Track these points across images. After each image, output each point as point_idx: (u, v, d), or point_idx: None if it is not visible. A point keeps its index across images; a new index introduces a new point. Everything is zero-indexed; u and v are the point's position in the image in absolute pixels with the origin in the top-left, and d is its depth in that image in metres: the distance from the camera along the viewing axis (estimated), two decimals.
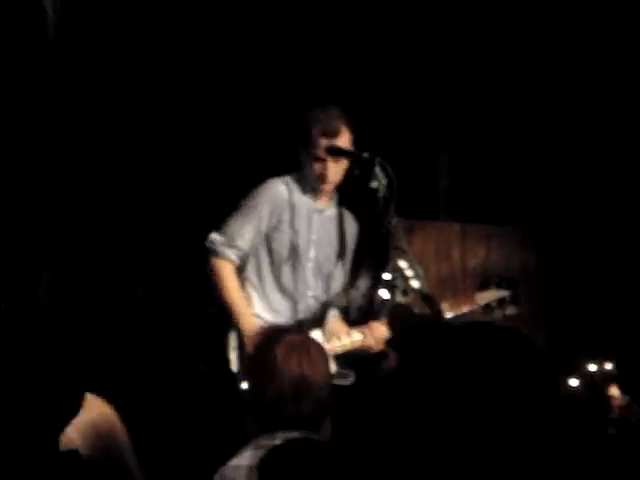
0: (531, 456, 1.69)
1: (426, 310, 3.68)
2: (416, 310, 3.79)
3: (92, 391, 2.49)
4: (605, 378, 4.44)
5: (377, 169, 3.77)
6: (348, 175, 4.19)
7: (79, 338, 5.08)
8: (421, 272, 3.68)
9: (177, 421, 4.93)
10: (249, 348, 3.90)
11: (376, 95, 5.91)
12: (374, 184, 3.75)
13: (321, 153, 4.18)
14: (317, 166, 4.22)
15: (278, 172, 4.40)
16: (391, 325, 4.22)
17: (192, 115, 5.76)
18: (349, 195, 4.47)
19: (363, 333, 4.28)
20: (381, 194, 3.74)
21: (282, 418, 2.81)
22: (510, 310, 4.46)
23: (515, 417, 1.69)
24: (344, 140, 4.18)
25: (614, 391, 4.24)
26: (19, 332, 2.34)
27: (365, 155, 3.86)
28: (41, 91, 5.33)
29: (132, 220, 5.72)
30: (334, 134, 4.16)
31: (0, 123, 5.24)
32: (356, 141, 4.23)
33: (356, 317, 4.58)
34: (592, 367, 4.59)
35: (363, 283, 5.56)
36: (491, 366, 1.72)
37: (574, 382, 4.67)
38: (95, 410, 2.87)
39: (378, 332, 4.27)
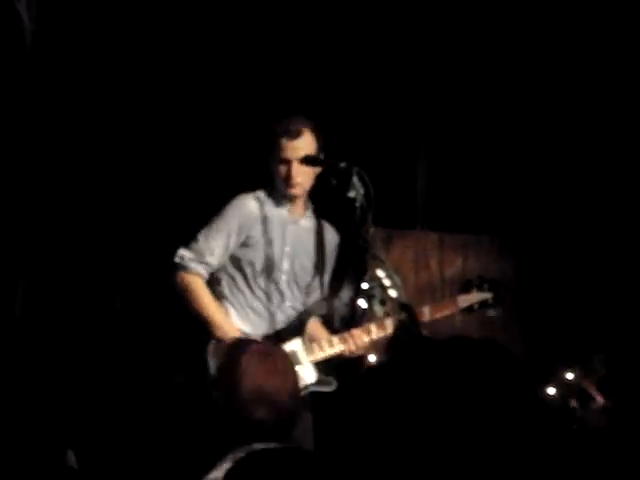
0: (511, 463, 1.70)
1: (403, 319, 3.68)
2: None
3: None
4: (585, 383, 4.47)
5: (354, 178, 3.77)
6: (325, 185, 4.20)
7: (56, 351, 5.06)
8: (399, 281, 3.68)
9: (156, 433, 4.91)
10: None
11: (353, 105, 5.92)
12: (352, 194, 3.76)
13: (283, 154, 4.20)
14: (282, 168, 4.23)
15: (251, 187, 4.40)
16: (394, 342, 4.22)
17: (166, 131, 5.75)
18: (326, 205, 4.47)
19: (344, 340, 4.28)
20: (359, 203, 3.74)
21: (248, 427, 2.82)
22: (492, 312, 4.49)
23: (495, 427, 1.70)
24: (306, 141, 4.21)
25: (595, 394, 4.27)
26: None
27: (342, 165, 3.87)
28: (19, 101, 5.31)
29: (110, 231, 5.70)
30: (295, 135, 4.19)
31: None
32: (333, 151, 4.24)
33: (339, 326, 4.58)
34: (570, 375, 4.61)
35: (345, 293, 5.57)
36: (472, 379, 1.74)
37: (551, 390, 4.69)
38: None
39: (359, 339, 4.28)
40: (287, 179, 4.23)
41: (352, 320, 5.44)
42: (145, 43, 5.65)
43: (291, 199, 4.32)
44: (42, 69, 5.41)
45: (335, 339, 4.29)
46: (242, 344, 3.07)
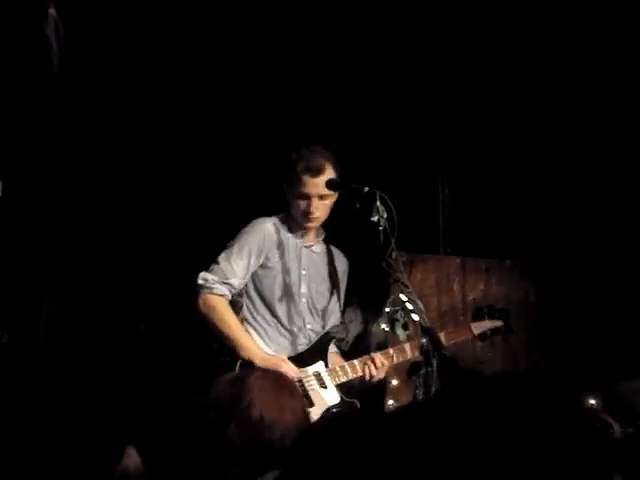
0: None
1: (425, 343, 3.69)
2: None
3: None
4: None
5: (378, 203, 3.80)
6: (349, 209, 4.22)
7: (78, 371, 5.09)
8: (421, 305, 3.70)
9: (179, 455, 4.92)
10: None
11: (377, 129, 5.95)
12: (375, 218, 3.78)
13: (304, 190, 4.24)
14: (302, 203, 4.28)
15: (266, 212, 4.44)
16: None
17: (187, 153, 5.80)
18: (348, 229, 4.50)
19: (365, 363, 4.30)
20: (382, 227, 3.76)
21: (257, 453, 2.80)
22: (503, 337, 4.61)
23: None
24: (327, 177, 4.23)
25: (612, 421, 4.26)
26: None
27: (366, 189, 3.89)
28: (46, 124, 5.37)
29: (135, 253, 5.74)
30: (317, 172, 4.23)
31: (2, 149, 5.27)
32: (357, 175, 4.26)
33: (352, 348, 4.59)
34: (592, 402, 4.60)
35: (361, 316, 5.58)
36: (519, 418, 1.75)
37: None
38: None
39: (378, 363, 4.29)
40: (306, 214, 4.28)
41: (366, 343, 5.46)
42: (172, 70, 5.71)
43: (309, 229, 4.37)
44: (69, 93, 5.47)
45: (357, 362, 4.31)
46: (246, 372, 3.05)
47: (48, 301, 5.69)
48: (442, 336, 4.33)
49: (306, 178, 4.24)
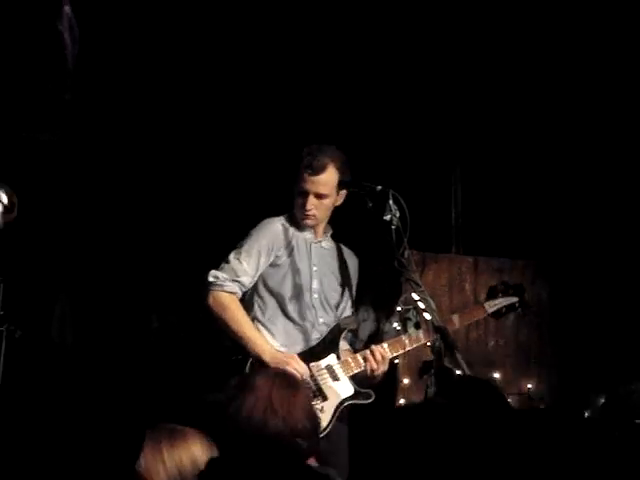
0: None
1: (438, 341, 3.70)
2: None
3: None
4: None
5: (390, 202, 3.80)
6: (361, 207, 4.23)
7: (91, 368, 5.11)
8: (433, 305, 3.70)
9: None
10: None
11: (390, 128, 5.95)
12: (387, 217, 3.78)
13: (303, 186, 4.26)
14: (299, 200, 4.30)
15: (277, 212, 4.46)
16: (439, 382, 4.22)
17: (201, 152, 5.82)
18: (361, 227, 4.51)
19: (365, 357, 4.30)
20: (394, 226, 3.77)
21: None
22: (519, 314, 4.54)
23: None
24: (328, 178, 4.25)
25: None
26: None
27: (378, 188, 3.90)
28: (61, 123, 5.39)
29: (147, 252, 5.77)
30: (318, 171, 4.23)
31: (14, 155, 5.30)
32: (369, 174, 4.27)
33: (364, 346, 4.59)
34: (602, 401, 4.61)
35: (373, 314, 5.59)
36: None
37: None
38: (197, 447, 2.92)
39: (378, 354, 4.30)
40: (302, 210, 4.30)
41: (378, 340, 5.47)
42: (186, 68, 5.73)
43: (308, 226, 4.39)
44: (83, 90, 5.49)
45: (367, 351, 4.32)
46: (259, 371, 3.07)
47: (61, 298, 5.72)
48: (456, 318, 4.34)
49: (306, 174, 4.25)
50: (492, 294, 4.50)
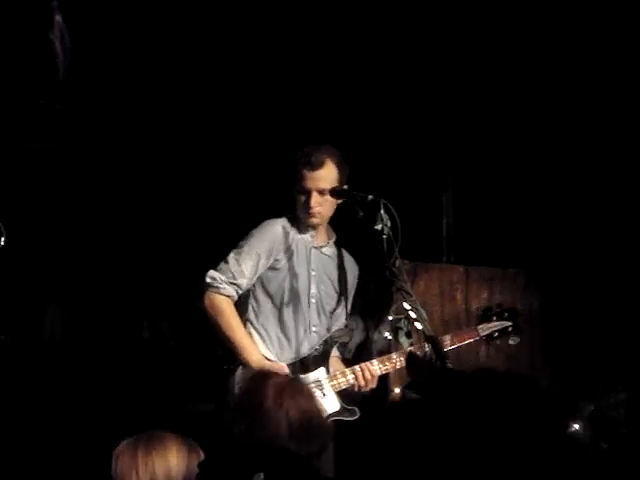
0: None
1: (429, 351, 3.69)
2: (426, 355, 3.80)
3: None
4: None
5: (381, 211, 3.80)
6: (352, 217, 4.23)
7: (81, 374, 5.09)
8: (424, 314, 3.70)
9: None
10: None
11: (380, 137, 5.96)
12: (378, 226, 3.79)
13: (303, 184, 4.25)
14: (301, 197, 4.29)
15: (276, 213, 4.45)
16: (409, 371, 4.22)
17: (195, 154, 5.82)
18: (353, 237, 4.50)
19: (355, 374, 4.29)
20: (385, 236, 3.77)
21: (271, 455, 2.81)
22: (512, 340, 4.50)
23: (520, 460, 1.72)
24: (327, 172, 4.25)
25: None
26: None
27: (369, 197, 3.90)
28: (53, 132, 5.39)
29: (138, 259, 5.76)
30: (316, 166, 4.23)
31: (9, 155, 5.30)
32: (360, 183, 4.27)
33: (355, 356, 4.59)
34: (591, 408, 4.61)
35: (363, 323, 5.58)
36: (498, 411, 1.75)
37: (576, 426, 4.68)
38: (173, 457, 2.91)
39: (367, 373, 4.29)
40: (306, 208, 4.27)
41: (368, 350, 5.46)
42: (180, 75, 5.73)
43: (313, 227, 4.37)
44: (74, 99, 5.49)
45: (357, 368, 4.31)
46: (261, 377, 3.08)
47: (51, 306, 5.71)
48: (447, 338, 4.33)
49: (305, 172, 4.25)
50: (486, 317, 4.48)
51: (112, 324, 5.71)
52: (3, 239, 3.43)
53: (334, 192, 4.19)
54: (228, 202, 5.77)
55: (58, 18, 5.35)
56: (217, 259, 4.37)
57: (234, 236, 4.46)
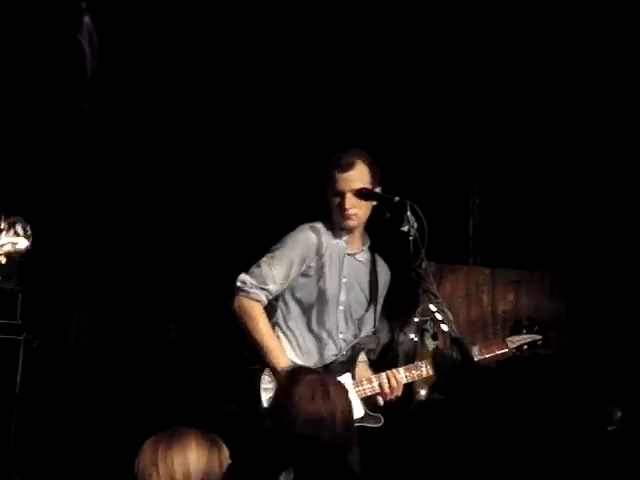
0: None
1: (456, 354, 3.68)
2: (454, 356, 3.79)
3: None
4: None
5: (408, 213, 3.79)
6: (379, 218, 4.22)
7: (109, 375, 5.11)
8: (450, 316, 3.68)
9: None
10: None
11: (407, 139, 5.95)
12: (405, 227, 3.77)
13: (336, 187, 4.25)
14: (336, 200, 4.28)
15: (311, 217, 4.44)
16: (436, 372, 4.21)
17: (229, 154, 5.83)
18: (380, 239, 4.50)
19: (380, 382, 4.29)
20: (412, 237, 3.76)
21: (302, 453, 2.84)
22: (541, 352, 4.49)
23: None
24: (359, 174, 4.24)
25: None
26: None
27: (396, 199, 3.89)
28: (82, 133, 5.42)
29: (165, 261, 5.78)
30: (347, 167, 4.22)
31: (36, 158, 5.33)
32: (387, 185, 4.27)
33: (380, 358, 4.58)
34: (619, 414, 4.59)
35: (389, 325, 5.58)
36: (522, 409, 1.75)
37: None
38: (192, 454, 2.92)
39: (393, 380, 4.28)
40: (341, 211, 4.28)
41: (394, 353, 5.45)
42: (212, 77, 5.74)
43: (348, 231, 4.36)
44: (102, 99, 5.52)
45: (383, 376, 4.30)
46: (295, 373, 3.10)
47: (79, 307, 5.73)
48: (476, 350, 4.31)
49: (337, 174, 4.24)
50: (516, 329, 4.47)
51: (139, 326, 5.73)
52: (30, 240, 3.47)
53: (359, 193, 4.18)
54: (261, 205, 5.78)
55: (87, 19, 5.38)
56: (249, 262, 4.37)
57: (268, 239, 4.46)
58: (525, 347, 4.44)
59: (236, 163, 5.86)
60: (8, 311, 5.15)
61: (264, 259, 4.29)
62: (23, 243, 3.49)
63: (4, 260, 3.46)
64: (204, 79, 5.77)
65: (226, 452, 3.00)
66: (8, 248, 3.47)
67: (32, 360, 5.12)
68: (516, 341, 4.43)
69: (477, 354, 4.31)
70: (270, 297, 4.29)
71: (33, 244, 3.37)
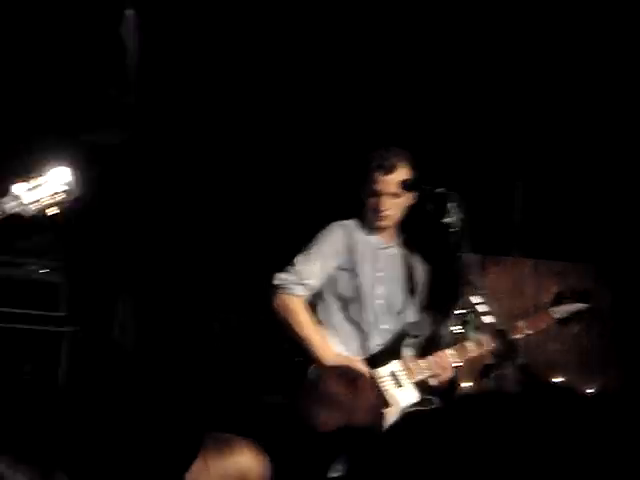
0: None
1: (499, 345, 3.67)
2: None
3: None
4: None
5: (451, 204, 3.79)
6: (422, 210, 4.22)
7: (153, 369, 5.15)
8: (493, 308, 3.68)
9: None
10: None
11: (452, 131, 5.93)
12: (448, 219, 3.77)
13: (375, 187, 4.26)
14: (372, 200, 4.29)
15: (344, 216, 4.46)
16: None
17: (268, 152, 5.84)
18: (422, 230, 4.49)
19: (429, 364, 4.28)
20: (454, 229, 3.75)
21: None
22: (587, 322, 4.45)
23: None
24: (399, 177, 4.23)
25: None
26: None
27: (439, 190, 3.89)
28: (124, 127, 5.45)
29: (210, 253, 5.80)
30: (389, 170, 4.24)
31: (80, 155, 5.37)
32: (430, 176, 4.26)
33: (422, 351, 4.56)
34: None
35: (431, 318, 5.57)
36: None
37: None
38: (244, 457, 2.92)
39: (442, 361, 4.28)
40: (377, 211, 4.29)
41: (437, 343, 5.44)
42: (254, 71, 5.75)
43: (381, 229, 4.38)
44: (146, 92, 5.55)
45: (431, 359, 4.30)
46: (335, 369, 3.11)
47: (123, 299, 5.77)
48: (522, 324, 4.30)
49: (377, 175, 4.25)
50: (558, 300, 4.42)
51: (183, 317, 5.76)
52: (74, 185, 3.42)
53: (404, 185, 4.18)
54: (302, 200, 5.79)
55: (130, 12, 5.41)
56: (288, 255, 4.39)
57: (306, 233, 4.47)
58: (570, 317, 4.39)
59: (275, 159, 5.87)
60: (51, 303, 5.19)
61: (299, 257, 4.32)
62: (66, 191, 3.42)
63: (54, 212, 3.40)
64: (252, 69, 5.78)
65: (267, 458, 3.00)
66: (51, 200, 3.41)
67: (76, 352, 5.17)
68: (560, 312, 4.39)
69: (523, 329, 4.29)
70: (309, 292, 4.30)
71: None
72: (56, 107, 5.40)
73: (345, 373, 3.01)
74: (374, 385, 4.11)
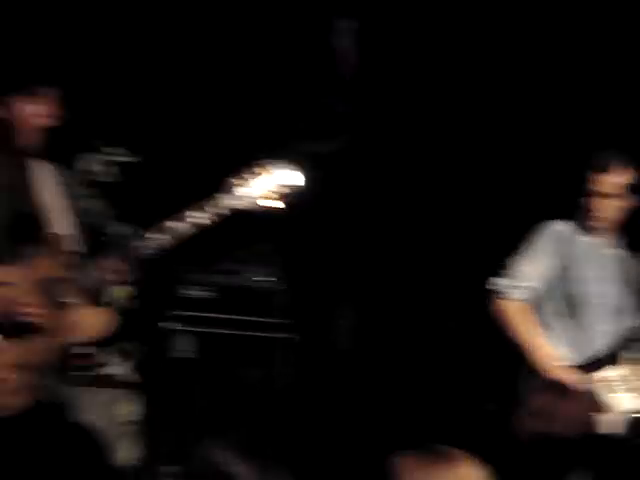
0: None
1: None
2: None
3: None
4: None
5: None
6: None
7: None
8: None
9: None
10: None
11: None
12: None
13: (598, 189, 4.19)
14: (592, 201, 4.23)
15: (559, 216, 4.40)
16: None
17: (477, 158, 5.83)
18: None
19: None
20: None
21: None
22: None
23: None
24: (621, 178, 4.18)
25: None
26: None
27: None
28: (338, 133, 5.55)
29: (425, 258, 5.83)
30: (604, 170, 4.18)
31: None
32: None
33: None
34: None
35: None
36: None
37: None
38: (462, 470, 2.93)
39: None
40: (593, 212, 4.23)
41: None
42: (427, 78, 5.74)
43: (600, 230, 4.30)
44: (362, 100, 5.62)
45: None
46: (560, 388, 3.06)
47: (344, 306, 5.87)
48: None
49: (601, 177, 4.20)
50: None
51: (416, 316, 5.79)
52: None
53: (628, 187, 4.14)
54: (520, 201, 5.73)
55: (343, 22, 5.50)
56: (497, 262, 4.36)
57: (511, 241, 4.43)
58: None
59: (487, 163, 5.83)
60: (268, 309, 5.32)
61: (515, 259, 4.29)
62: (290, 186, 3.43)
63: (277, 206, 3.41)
64: (449, 80, 5.77)
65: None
66: (275, 192, 3.42)
67: (294, 359, 5.27)
68: None
69: None
70: (528, 296, 4.26)
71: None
72: (276, 119, 5.54)
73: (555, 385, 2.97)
74: (587, 393, 4.04)
